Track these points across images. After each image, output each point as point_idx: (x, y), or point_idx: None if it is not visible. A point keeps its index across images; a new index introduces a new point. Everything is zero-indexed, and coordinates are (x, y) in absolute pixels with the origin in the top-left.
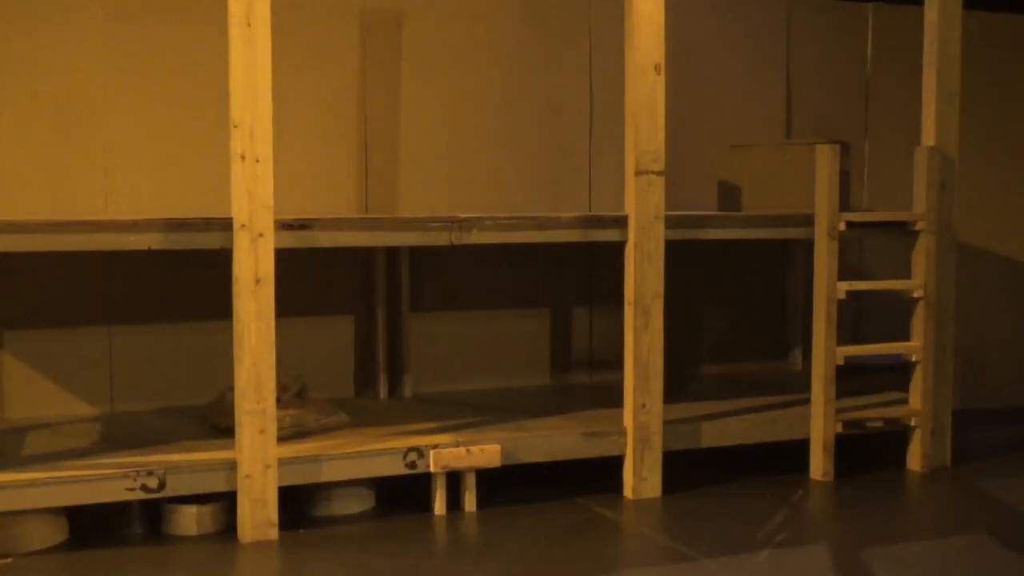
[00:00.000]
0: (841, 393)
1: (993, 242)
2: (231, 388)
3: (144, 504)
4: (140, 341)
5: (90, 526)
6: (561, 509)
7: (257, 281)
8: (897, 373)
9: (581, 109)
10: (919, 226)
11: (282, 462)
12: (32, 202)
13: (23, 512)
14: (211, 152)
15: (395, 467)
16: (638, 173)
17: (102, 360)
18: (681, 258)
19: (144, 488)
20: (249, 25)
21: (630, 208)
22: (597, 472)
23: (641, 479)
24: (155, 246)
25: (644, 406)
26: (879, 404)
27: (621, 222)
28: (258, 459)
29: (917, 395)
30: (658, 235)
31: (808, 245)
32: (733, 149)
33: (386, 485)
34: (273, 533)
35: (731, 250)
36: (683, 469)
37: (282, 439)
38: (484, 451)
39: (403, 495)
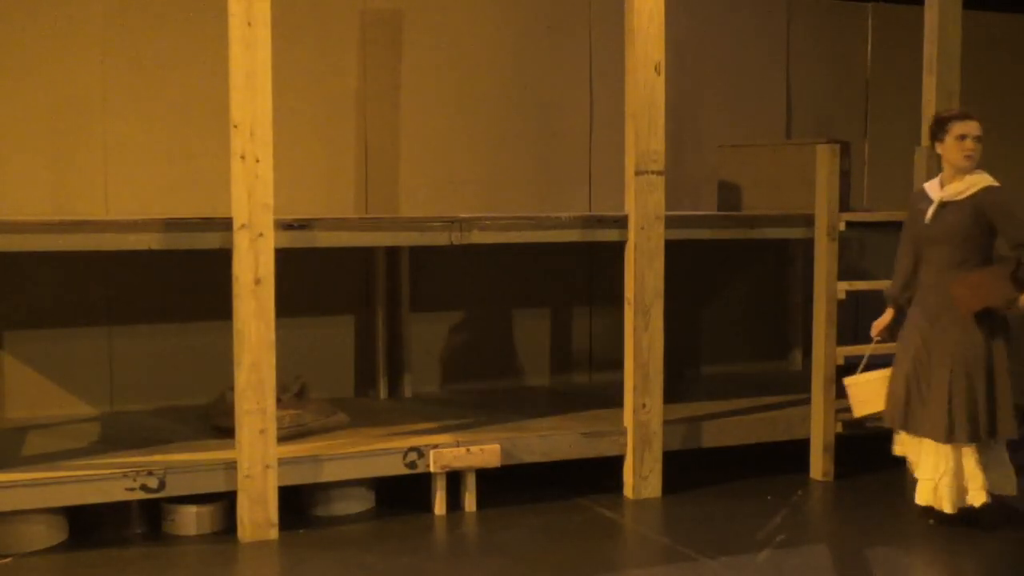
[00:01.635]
0: (841, 393)
1: None
2: (231, 388)
3: (144, 504)
4: (140, 341)
5: (90, 526)
6: (561, 509)
7: (257, 281)
8: None
9: (581, 109)
10: None
11: (282, 462)
12: (32, 202)
13: (23, 512)
14: (211, 152)
15: (395, 467)
16: (638, 173)
17: (102, 360)
18: (682, 258)
19: (144, 488)
20: (249, 25)
21: (630, 208)
22: (597, 472)
23: (641, 479)
24: (155, 246)
25: (644, 406)
26: None
27: (621, 222)
28: (258, 459)
29: None
30: (658, 235)
31: (808, 245)
32: (733, 149)
33: (386, 485)
34: (273, 533)
35: (731, 250)
36: (683, 469)
37: (282, 439)
38: (484, 451)
39: (403, 495)
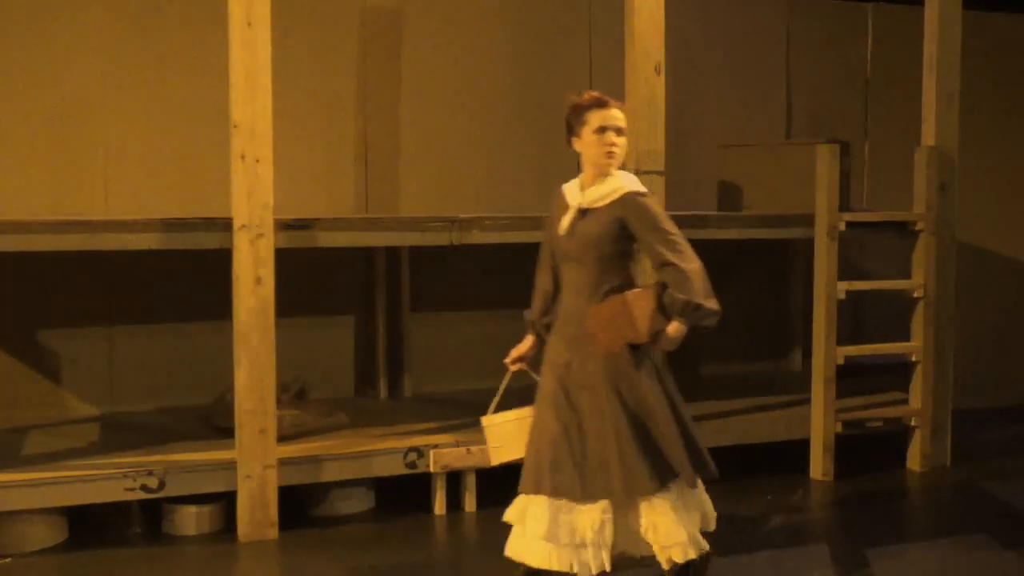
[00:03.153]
0: (841, 393)
1: (993, 242)
2: (231, 388)
3: (144, 504)
4: (140, 341)
5: (90, 526)
6: None
7: (257, 281)
8: (897, 373)
9: None
10: (919, 226)
11: (282, 462)
12: (33, 202)
13: (23, 512)
14: (211, 152)
15: (395, 467)
16: (638, 173)
17: (102, 360)
18: None
19: (144, 488)
20: (249, 25)
21: None
22: None
23: None
24: (155, 246)
25: None
26: (879, 404)
27: None
28: (258, 459)
29: (917, 395)
30: None
31: (808, 245)
32: (733, 149)
33: (386, 485)
34: (273, 533)
35: (731, 250)
36: None
37: (282, 439)
38: (484, 451)
39: (403, 495)
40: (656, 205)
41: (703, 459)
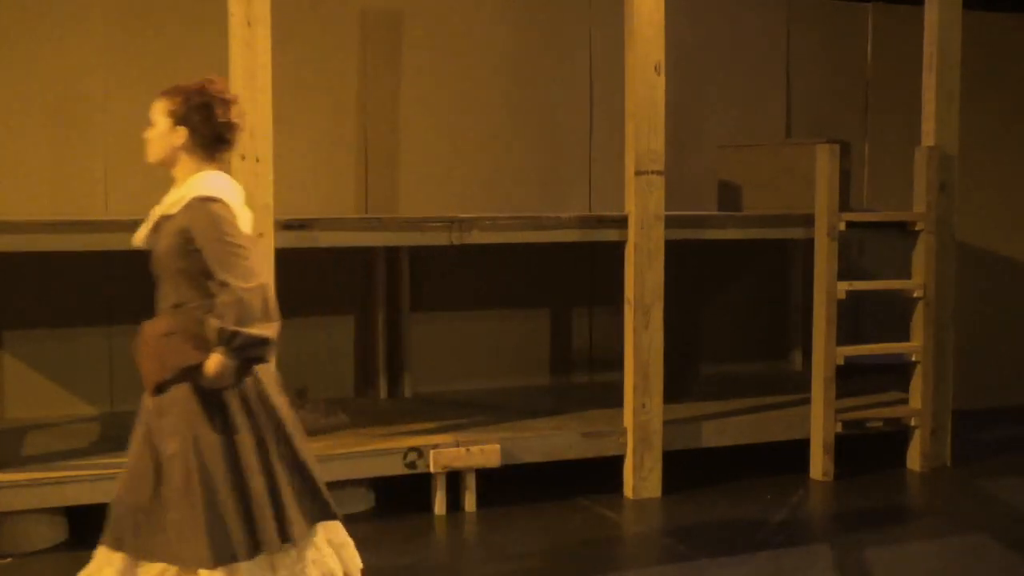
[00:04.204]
0: (841, 393)
1: (993, 242)
2: None
3: None
4: None
5: (90, 526)
6: (561, 509)
7: None
8: (897, 373)
9: (581, 109)
10: (919, 226)
11: None
12: (33, 202)
13: (23, 512)
14: None
15: (395, 467)
16: (638, 173)
17: (102, 360)
18: (682, 258)
19: None
20: (249, 25)
21: (630, 208)
22: (597, 472)
23: (641, 479)
24: None
25: (644, 406)
26: (879, 404)
27: (621, 222)
28: None
29: (917, 395)
30: (658, 235)
31: (808, 245)
32: (733, 149)
33: (386, 485)
34: None
35: (731, 250)
36: (683, 469)
37: None
38: (484, 451)
39: (403, 495)
40: (224, 212)
41: (204, 544)
